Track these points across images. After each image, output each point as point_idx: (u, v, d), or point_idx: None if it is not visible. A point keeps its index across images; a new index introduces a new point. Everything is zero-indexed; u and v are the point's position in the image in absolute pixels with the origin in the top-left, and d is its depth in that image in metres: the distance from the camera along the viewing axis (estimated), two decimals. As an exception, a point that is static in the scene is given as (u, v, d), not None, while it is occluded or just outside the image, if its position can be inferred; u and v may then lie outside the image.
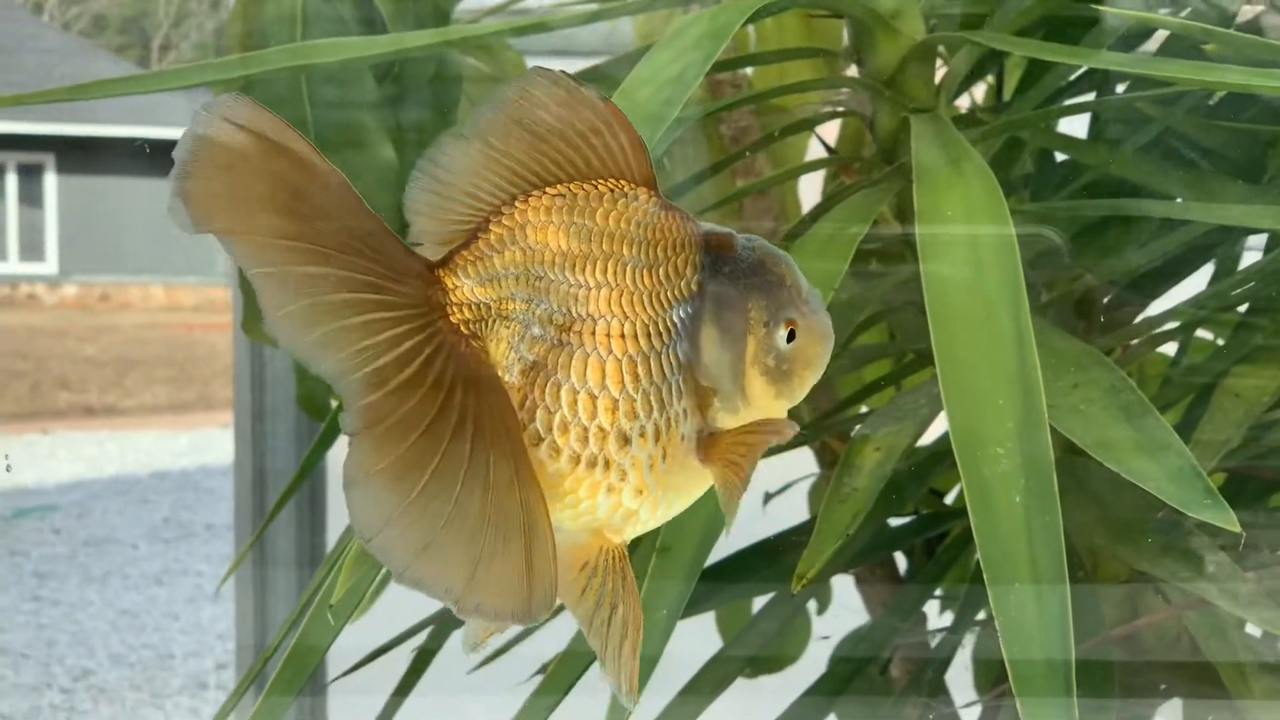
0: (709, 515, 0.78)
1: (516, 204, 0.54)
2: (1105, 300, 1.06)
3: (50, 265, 8.03)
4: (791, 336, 0.58)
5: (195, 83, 0.99)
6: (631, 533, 0.57)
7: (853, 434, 0.90)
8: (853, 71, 1.05)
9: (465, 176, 0.54)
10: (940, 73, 1.01)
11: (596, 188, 0.55)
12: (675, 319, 0.56)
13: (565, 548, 0.56)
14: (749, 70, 1.30)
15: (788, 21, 1.24)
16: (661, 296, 0.56)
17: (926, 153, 0.87)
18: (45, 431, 5.70)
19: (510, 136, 0.54)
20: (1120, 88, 1.09)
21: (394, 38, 1.14)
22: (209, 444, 5.47)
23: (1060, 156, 1.12)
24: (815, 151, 1.27)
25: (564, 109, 0.54)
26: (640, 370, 0.55)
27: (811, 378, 0.59)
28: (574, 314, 0.54)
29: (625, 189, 0.56)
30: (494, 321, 0.53)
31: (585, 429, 0.54)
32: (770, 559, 1.04)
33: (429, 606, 1.02)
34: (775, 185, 1.22)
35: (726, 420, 0.57)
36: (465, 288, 0.53)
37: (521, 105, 0.54)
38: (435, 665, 1.10)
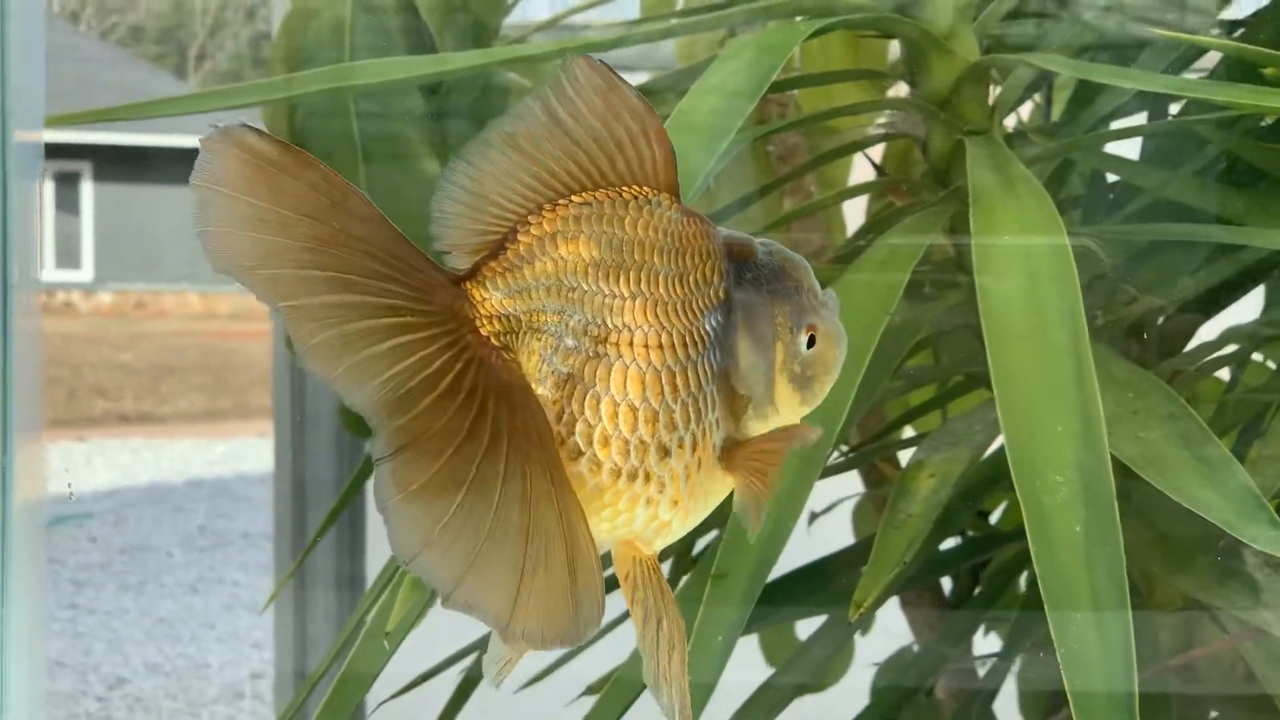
0: (764, 542, 0.78)
1: (544, 213, 0.54)
2: (1159, 323, 1.05)
3: (86, 273, 8.07)
4: (812, 342, 0.58)
5: (243, 103, 1.00)
6: (660, 544, 0.57)
7: (907, 460, 0.89)
8: (899, 91, 1.05)
9: (494, 184, 0.53)
10: (993, 93, 1.01)
11: (621, 195, 0.55)
12: (708, 328, 0.55)
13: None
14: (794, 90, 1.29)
15: (833, 41, 1.23)
16: (693, 305, 0.55)
17: (982, 176, 0.86)
18: (81, 439, 5.72)
19: (547, 135, 0.53)
20: (1173, 108, 1.08)
21: (437, 59, 1.14)
22: (245, 452, 5.47)
23: (1111, 178, 1.11)
24: (858, 168, 1.27)
25: (603, 110, 0.53)
26: (679, 381, 0.54)
27: (830, 382, 0.59)
28: (609, 325, 0.54)
29: (649, 195, 0.55)
30: (524, 333, 0.53)
31: (626, 442, 0.53)
32: (819, 582, 1.03)
33: (472, 631, 1.01)
34: (825, 208, 1.21)
35: (757, 427, 0.57)
36: (494, 300, 0.53)
37: (562, 101, 0.53)
38: (480, 691, 1.09)
